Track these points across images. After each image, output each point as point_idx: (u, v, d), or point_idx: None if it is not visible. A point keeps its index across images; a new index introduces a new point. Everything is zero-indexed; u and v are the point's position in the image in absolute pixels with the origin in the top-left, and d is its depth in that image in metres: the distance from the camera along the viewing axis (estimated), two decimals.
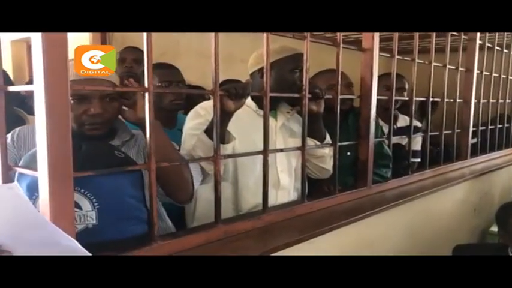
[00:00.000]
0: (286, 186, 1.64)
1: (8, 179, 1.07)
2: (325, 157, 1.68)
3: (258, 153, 1.44)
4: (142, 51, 2.40)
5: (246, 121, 1.54)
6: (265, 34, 1.36)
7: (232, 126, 1.44)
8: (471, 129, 2.74)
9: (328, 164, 1.70)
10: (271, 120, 1.61)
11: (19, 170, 1.06)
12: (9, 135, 1.22)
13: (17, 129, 1.22)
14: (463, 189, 2.58)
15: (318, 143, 1.63)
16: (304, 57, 1.51)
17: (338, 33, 1.65)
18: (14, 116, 1.64)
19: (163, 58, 2.68)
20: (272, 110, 1.62)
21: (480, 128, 2.87)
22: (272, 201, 1.55)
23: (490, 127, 3.01)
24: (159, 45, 2.92)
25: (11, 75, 3.18)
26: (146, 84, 1.09)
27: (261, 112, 1.48)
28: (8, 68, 3.29)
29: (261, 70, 1.50)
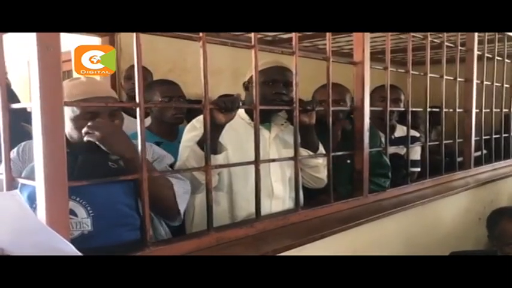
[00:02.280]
0: (280, 196, 1.70)
1: (12, 189, 1.16)
2: (319, 167, 1.74)
3: (250, 163, 1.51)
4: (148, 70, 2.52)
5: (239, 133, 1.63)
6: (253, 50, 1.44)
7: (226, 138, 1.52)
8: (473, 138, 2.76)
9: (322, 174, 1.76)
10: (265, 132, 1.69)
11: (21, 180, 1.15)
12: (15, 150, 1.32)
13: (22, 143, 1.31)
14: (466, 198, 2.59)
15: (311, 153, 1.69)
16: (294, 71, 1.58)
17: (328, 46, 1.71)
18: (23, 131, 1.74)
19: (171, 74, 2.81)
20: (266, 122, 1.70)
21: (484, 137, 2.89)
22: (266, 210, 1.61)
23: (494, 136, 3.03)
24: (168, 62, 3.07)
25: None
26: (137, 100, 1.18)
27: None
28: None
29: (244, 83, 1.62)
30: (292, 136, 1.72)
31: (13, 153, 1.32)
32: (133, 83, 2.29)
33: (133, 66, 2.45)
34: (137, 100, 1.18)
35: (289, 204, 1.75)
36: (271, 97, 1.61)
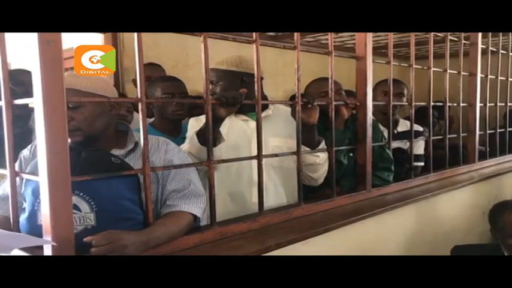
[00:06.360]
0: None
1: (16, 183, 1.18)
2: (314, 166, 1.72)
3: (252, 158, 1.52)
4: (154, 69, 2.47)
5: (223, 124, 1.60)
6: (254, 45, 1.44)
7: None
8: (477, 132, 2.75)
9: (317, 174, 1.75)
10: (251, 122, 1.68)
11: (24, 176, 1.17)
12: (28, 147, 1.34)
13: (35, 141, 1.32)
14: (471, 192, 2.58)
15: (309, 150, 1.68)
16: (296, 66, 1.58)
17: (330, 41, 1.71)
18: (29, 129, 1.75)
19: (174, 70, 2.81)
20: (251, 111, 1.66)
21: (489, 131, 2.88)
22: (248, 197, 1.65)
23: (499, 130, 3.02)
24: (170, 58, 3.07)
25: None
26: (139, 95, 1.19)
27: (241, 116, 1.67)
28: None
29: None
30: (280, 123, 1.73)
31: (27, 150, 1.34)
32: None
33: (147, 64, 2.48)
34: (139, 96, 1.18)
35: (275, 190, 1.72)
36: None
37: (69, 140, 1.18)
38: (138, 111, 1.22)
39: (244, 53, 1.71)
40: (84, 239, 1.06)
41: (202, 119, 1.67)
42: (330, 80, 1.72)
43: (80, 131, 1.23)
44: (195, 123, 1.68)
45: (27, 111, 1.74)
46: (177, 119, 1.97)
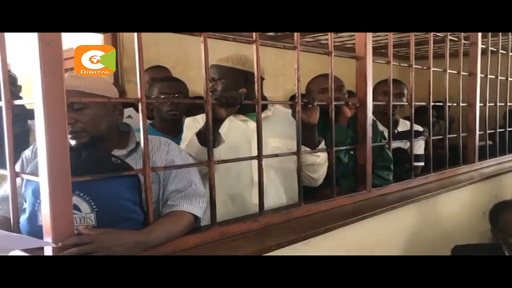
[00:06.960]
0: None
1: (16, 184, 1.18)
2: (315, 166, 1.71)
3: (253, 158, 1.52)
4: (160, 71, 2.48)
5: (223, 125, 1.58)
6: (254, 45, 1.44)
7: None
8: (477, 132, 2.75)
9: (317, 174, 1.75)
10: (250, 123, 1.69)
11: (25, 176, 1.17)
12: (30, 148, 1.34)
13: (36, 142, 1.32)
14: (471, 192, 2.58)
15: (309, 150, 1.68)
16: (296, 66, 1.58)
17: (330, 41, 1.71)
18: (27, 129, 1.75)
19: (174, 70, 2.81)
20: (251, 112, 1.65)
21: (489, 131, 2.88)
22: (248, 198, 1.64)
23: (499, 130, 3.02)
24: (170, 58, 3.07)
25: None
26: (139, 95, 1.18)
27: (240, 116, 1.65)
28: None
29: None
30: (280, 123, 1.72)
31: (29, 150, 1.34)
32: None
33: (150, 68, 2.47)
34: (139, 96, 1.18)
35: (275, 191, 1.71)
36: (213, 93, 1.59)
37: (74, 142, 1.19)
38: (138, 112, 1.22)
39: (244, 53, 1.71)
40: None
41: (198, 118, 1.68)
42: (329, 81, 1.72)
43: (85, 132, 1.23)
44: (191, 123, 1.68)
45: (26, 110, 1.74)
46: (174, 119, 1.98)
